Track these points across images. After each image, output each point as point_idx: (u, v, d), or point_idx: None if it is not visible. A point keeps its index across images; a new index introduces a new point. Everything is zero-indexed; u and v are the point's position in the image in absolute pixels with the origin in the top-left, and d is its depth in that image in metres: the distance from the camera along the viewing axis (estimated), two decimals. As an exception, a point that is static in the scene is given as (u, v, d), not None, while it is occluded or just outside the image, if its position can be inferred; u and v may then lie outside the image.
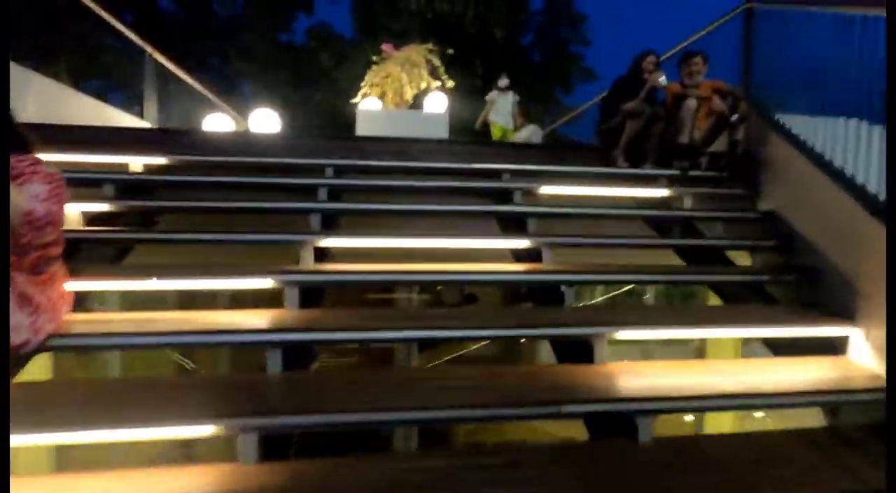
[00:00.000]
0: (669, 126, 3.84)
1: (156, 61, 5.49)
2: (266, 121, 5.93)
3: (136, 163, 3.15)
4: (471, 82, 18.62)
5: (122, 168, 3.11)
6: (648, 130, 3.84)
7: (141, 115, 5.17)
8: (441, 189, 3.25)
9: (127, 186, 2.88)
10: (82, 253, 2.22)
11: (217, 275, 2.06)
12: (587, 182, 3.52)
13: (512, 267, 2.43)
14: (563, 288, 2.21)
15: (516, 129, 8.00)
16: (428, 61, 7.47)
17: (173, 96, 6.37)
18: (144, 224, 2.72)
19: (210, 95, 7.35)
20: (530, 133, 7.62)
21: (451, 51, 7.75)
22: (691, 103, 3.76)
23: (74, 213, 2.49)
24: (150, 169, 3.19)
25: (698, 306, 4.52)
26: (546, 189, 3.26)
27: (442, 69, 7.34)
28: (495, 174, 3.48)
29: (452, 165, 3.54)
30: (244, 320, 1.91)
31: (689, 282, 3.16)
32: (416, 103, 7.76)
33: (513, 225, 2.94)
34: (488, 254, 2.98)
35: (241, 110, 21.62)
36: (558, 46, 25.44)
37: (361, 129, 6.84)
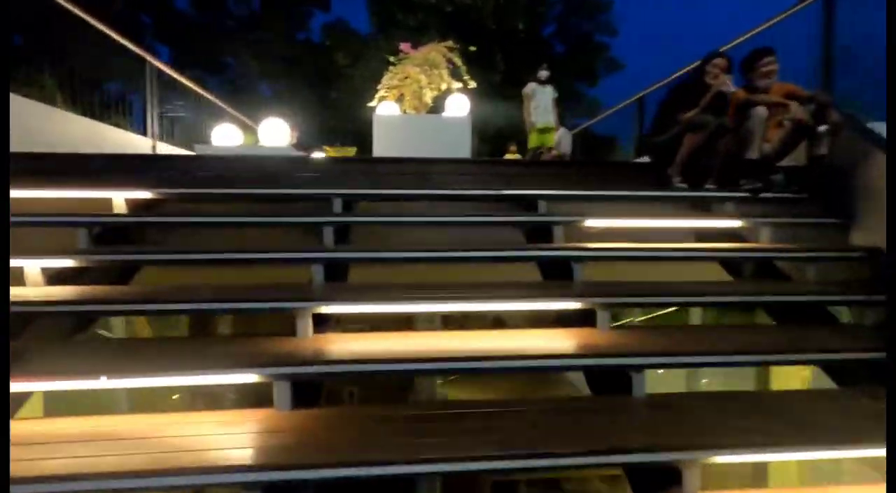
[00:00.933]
0: (734, 138, 3.25)
1: (159, 71, 5.11)
2: (276, 132, 5.50)
3: (119, 198, 2.73)
4: (491, 78, 17.99)
5: (102, 206, 2.70)
6: (711, 145, 3.25)
7: (144, 130, 4.83)
8: (467, 224, 2.75)
9: (102, 233, 2.46)
10: (32, 329, 1.82)
11: (182, 371, 1.58)
12: (639, 211, 2.96)
13: (559, 344, 1.88)
14: (631, 374, 1.71)
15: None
16: (448, 61, 6.95)
17: (179, 107, 6.01)
18: (120, 279, 2.30)
19: (219, 103, 6.97)
20: (559, 137, 7.03)
21: (473, 48, 7.18)
22: (761, 112, 3.16)
23: (33, 271, 2.09)
24: (135, 204, 2.77)
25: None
26: (593, 223, 2.72)
27: (464, 69, 6.80)
28: (530, 203, 2.96)
29: (479, 191, 3.03)
30: (214, 443, 1.41)
31: (799, 362, 2.51)
32: (437, 106, 7.26)
33: (556, 271, 2.43)
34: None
35: (255, 112, 21.42)
36: (581, 37, 24.48)
37: (378, 135, 6.37)
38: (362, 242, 2.68)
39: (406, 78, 6.92)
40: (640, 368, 1.70)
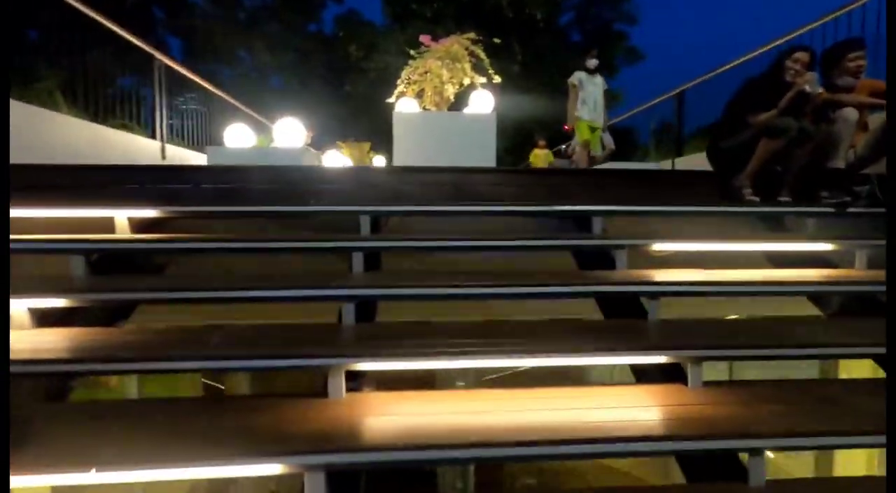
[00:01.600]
0: (815, 145, 2.84)
1: (168, 68, 4.80)
2: (291, 132, 5.17)
3: (121, 217, 2.43)
4: (509, 70, 17.47)
5: (102, 226, 2.39)
6: (788, 152, 2.84)
7: (153, 133, 4.53)
8: (514, 248, 2.40)
9: (101, 260, 2.16)
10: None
11: (192, 461, 1.26)
12: (709, 230, 2.58)
13: (642, 415, 1.50)
14: (746, 459, 1.35)
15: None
16: (471, 54, 6.54)
17: (190, 106, 5.71)
18: (120, 314, 2.00)
19: (232, 101, 6.66)
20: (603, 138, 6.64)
21: (497, 40, 6.75)
22: (851, 115, 2.75)
23: (18, 312, 1.79)
24: (139, 224, 2.47)
25: None
26: (662, 246, 2.35)
27: (487, 63, 6.39)
28: (582, 220, 2.60)
29: (524, 207, 2.67)
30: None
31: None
32: (458, 102, 6.88)
33: (623, 309, 2.07)
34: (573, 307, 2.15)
35: (268, 106, 21.16)
36: (601, 25, 23.74)
37: (399, 134, 6.02)
38: (394, 267, 2.35)
39: (426, 73, 6.54)
40: (758, 451, 1.35)
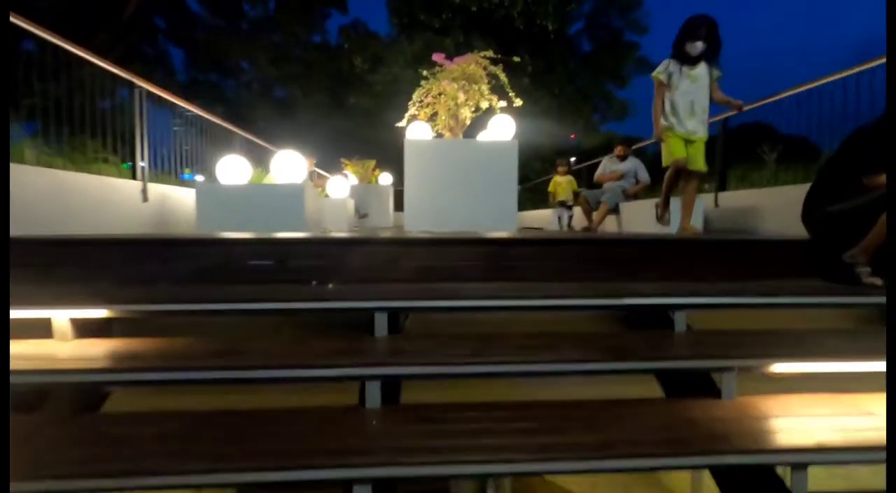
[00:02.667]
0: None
1: (151, 96, 4.24)
2: (290, 166, 4.61)
3: (61, 319, 1.85)
4: (519, 82, 16.93)
5: (37, 327, 1.81)
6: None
7: (132, 171, 3.95)
8: (582, 372, 1.79)
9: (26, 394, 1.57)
10: None
11: None
12: (822, 329, 1.98)
13: None
14: None
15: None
16: (489, 74, 5.98)
17: (178, 134, 5.16)
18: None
19: (226, 125, 6.11)
20: (633, 166, 5.99)
21: (516, 58, 6.19)
22: None
23: None
24: (84, 328, 1.88)
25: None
26: (784, 367, 1.74)
27: (508, 84, 5.83)
28: (659, 316, 1.99)
29: (576, 300, 2.06)
30: None
31: None
32: (474, 127, 6.31)
33: (749, 484, 1.46)
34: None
35: (270, 120, 20.62)
36: (611, 34, 23.26)
37: (411, 163, 5.44)
38: (417, 399, 1.75)
39: (440, 94, 5.99)
40: None
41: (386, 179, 12.76)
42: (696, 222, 4.68)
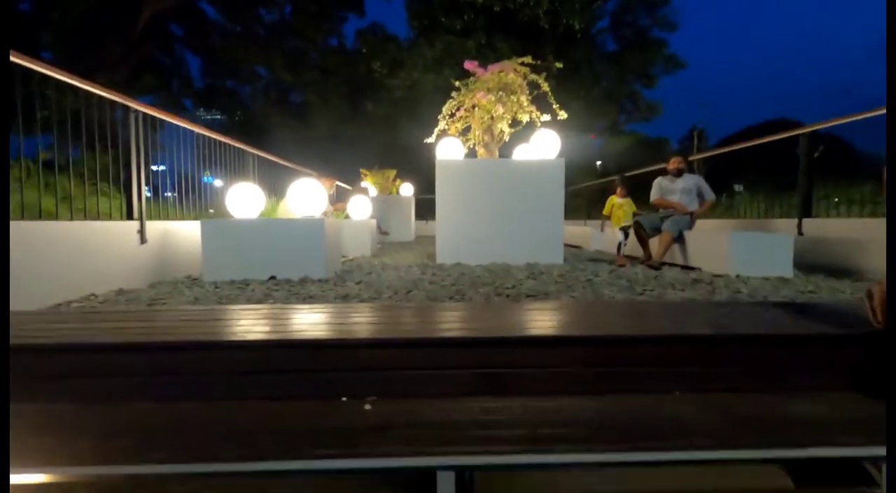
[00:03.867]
0: None
1: (154, 121, 3.67)
2: (308, 196, 4.01)
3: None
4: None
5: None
6: None
7: (128, 206, 3.37)
8: None
9: None
10: None
11: None
12: None
13: None
14: None
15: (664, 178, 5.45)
16: (529, 82, 5.31)
17: (182, 159, 4.61)
18: None
19: (237, 145, 5.55)
20: (695, 183, 5.16)
21: (559, 64, 5.51)
22: None
23: None
24: None
25: None
26: None
27: (551, 95, 5.15)
28: (849, 470, 1.30)
29: (726, 453, 1.37)
30: None
31: None
32: (511, 142, 5.65)
33: None
34: None
35: (286, 132, 20.20)
36: (637, 33, 22.29)
37: (443, 186, 4.80)
38: None
39: (474, 107, 5.33)
40: None
41: (407, 189, 12.15)
42: (785, 263, 3.89)
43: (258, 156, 5.90)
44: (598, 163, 23.67)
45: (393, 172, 12.13)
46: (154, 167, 4.68)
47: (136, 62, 15.49)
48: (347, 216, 6.09)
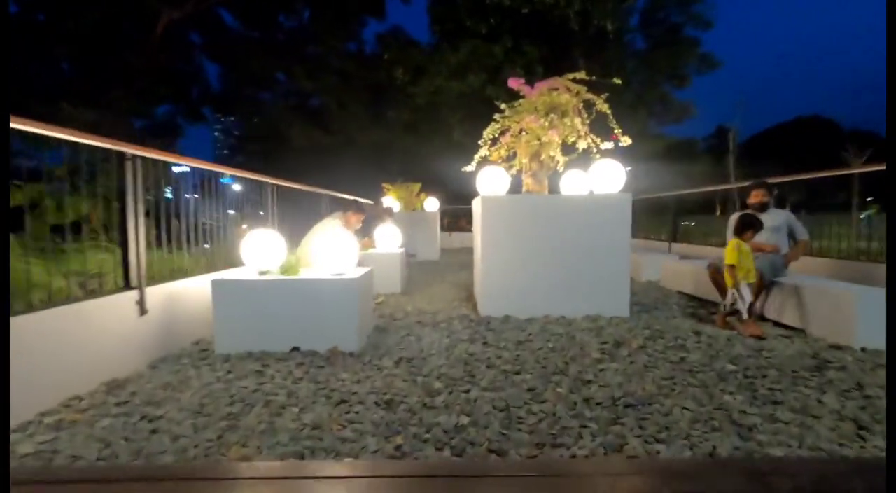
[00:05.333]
0: None
1: (152, 164, 3.09)
2: (338, 246, 3.40)
3: None
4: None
5: None
6: None
7: (124, 269, 2.81)
8: None
9: None
10: None
11: None
12: None
13: None
14: None
15: (749, 209, 4.44)
16: (585, 101, 4.61)
17: (188, 204, 4.05)
18: None
19: (251, 177, 4.97)
20: (784, 220, 4.40)
21: (618, 81, 4.80)
22: None
23: None
24: None
25: None
26: None
27: (612, 117, 4.44)
28: None
29: None
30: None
31: None
32: (556, 174, 4.96)
33: None
34: None
35: (306, 143, 19.71)
36: (669, 30, 21.23)
37: (487, 224, 4.16)
38: None
39: (521, 131, 4.66)
40: None
41: (432, 204, 11.49)
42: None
43: (277, 186, 5.33)
44: (628, 169, 22.65)
45: (417, 186, 11.51)
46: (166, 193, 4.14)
47: (155, 70, 15.20)
48: (373, 248, 5.50)
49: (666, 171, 21.19)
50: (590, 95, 4.56)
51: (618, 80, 4.88)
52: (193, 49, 18.49)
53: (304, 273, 3.41)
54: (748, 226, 3.85)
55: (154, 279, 3.19)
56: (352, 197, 9.82)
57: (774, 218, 4.35)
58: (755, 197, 4.52)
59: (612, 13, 13.71)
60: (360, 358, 2.99)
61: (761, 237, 4.29)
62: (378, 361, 2.92)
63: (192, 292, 3.51)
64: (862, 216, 7.69)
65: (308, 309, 3.16)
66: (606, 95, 4.56)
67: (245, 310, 3.16)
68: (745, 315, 3.59)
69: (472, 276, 5.86)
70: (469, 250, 11.99)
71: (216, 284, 3.17)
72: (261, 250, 3.51)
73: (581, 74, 4.71)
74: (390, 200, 10.83)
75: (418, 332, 3.65)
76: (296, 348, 3.15)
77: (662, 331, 3.56)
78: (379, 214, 9.26)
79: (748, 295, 3.61)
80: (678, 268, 5.59)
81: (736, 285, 3.66)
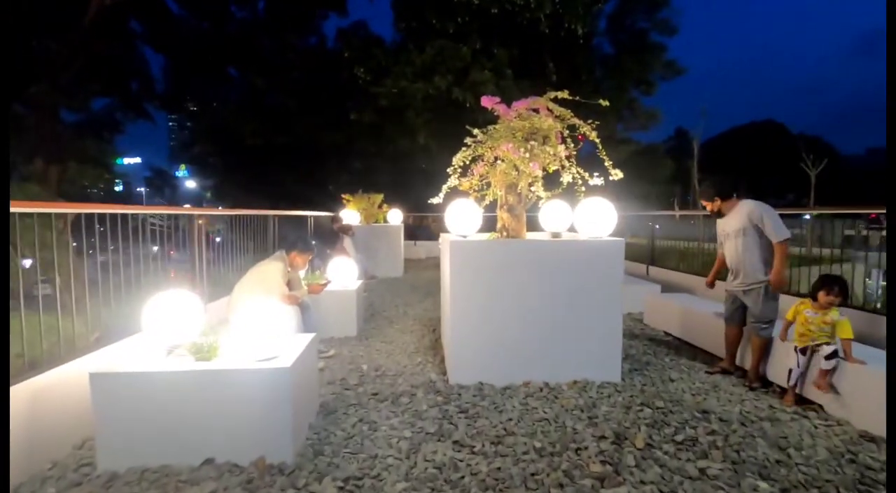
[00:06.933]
0: None
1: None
2: (270, 314, 2.65)
3: None
4: (542, 92, 14.99)
5: None
6: None
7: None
8: None
9: None
10: None
11: None
12: None
13: None
14: None
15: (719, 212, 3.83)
16: (567, 128, 4.00)
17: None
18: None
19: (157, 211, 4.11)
20: (744, 221, 3.51)
21: (605, 102, 4.21)
22: None
23: None
24: None
25: None
26: None
27: (602, 149, 3.85)
28: None
29: None
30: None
31: None
32: (533, 208, 4.34)
33: None
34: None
35: (266, 140, 18.47)
36: (634, 36, 21.15)
37: (456, 270, 3.49)
38: None
39: (496, 160, 4.01)
40: None
41: (395, 216, 10.70)
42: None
43: (201, 215, 4.48)
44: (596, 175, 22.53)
45: (379, 198, 10.72)
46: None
47: (87, 61, 13.68)
48: (328, 283, 4.72)
49: (634, 177, 21.15)
50: (576, 121, 3.95)
51: (605, 102, 4.29)
52: (134, 38, 16.87)
53: (224, 357, 2.63)
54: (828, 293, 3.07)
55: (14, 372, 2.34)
56: (305, 212, 8.94)
57: (733, 221, 3.59)
58: (706, 204, 3.89)
59: (582, 17, 13.28)
60: (294, 478, 2.27)
61: (728, 250, 3.68)
62: (317, 485, 2.21)
63: (70, 376, 2.67)
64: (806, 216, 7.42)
65: (226, 408, 2.41)
66: (593, 121, 3.95)
67: (138, 412, 2.38)
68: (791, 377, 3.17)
69: (439, 305, 5.19)
70: (435, 263, 11.30)
71: (97, 379, 2.37)
72: (171, 317, 2.73)
73: (564, 94, 4.08)
74: (350, 213, 10.01)
75: (374, 416, 2.96)
76: (209, 460, 2.40)
77: (665, 411, 3.00)
78: (338, 230, 8.47)
79: (800, 359, 3.15)
80: (665, 306, 5.11)
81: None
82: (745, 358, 3.74)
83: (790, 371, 3.17)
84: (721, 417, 2.93)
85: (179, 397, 2.39)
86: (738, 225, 3.56)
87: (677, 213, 8.65)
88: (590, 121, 3.93)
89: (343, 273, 5.30)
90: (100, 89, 15.72)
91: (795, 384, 3.16)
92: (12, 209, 2.43)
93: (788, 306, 3.41)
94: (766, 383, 3.50)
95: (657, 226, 8.40)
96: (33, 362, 2.62)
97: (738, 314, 3.73)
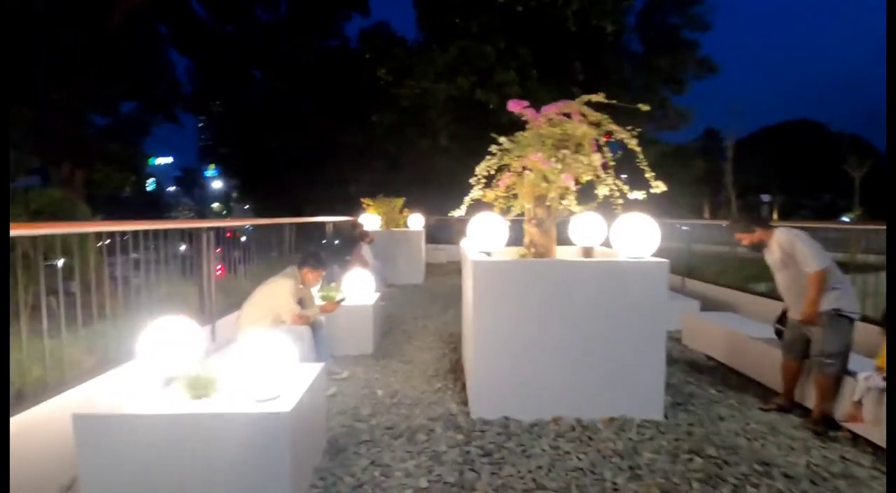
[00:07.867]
0: None
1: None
2: (274, 352, 2.39)
3: None
4: (569, 92, 14.50)
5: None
6: None
7: None
8: None
9: None
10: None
11: None
12: None
13: None
14: None
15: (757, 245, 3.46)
16: (605, 132, 3.63)
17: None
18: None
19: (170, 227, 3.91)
20: (783, 253, 3.20)
21: (645, 107, 3.82)
22: None
23: None
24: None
25: None
26: None
27: (642, 159, 3.47)
28: None
29: None
30: None
31: None
32: (565, 220, 3.98)
33: None
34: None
35: (287, 141, 18.50)
36: (665, 33, 20.38)
37: (481, 297, 3.17)
38: None
39: (524, 170, 3.67)
40: None
41: (416, 221, 10.43)
42: None
43: (216, 229, 4.27)
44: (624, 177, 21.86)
45: (400, 202, 10.47)
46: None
47: (114, 63, 13.85)
48: (343, 299, 4.47)
49: (662, 179, 20.42)
50: (613, 127, 3.58)
51: (645, 107, 3.91)
52: (160, 41, 17.08)
53: (222, 392, 2.37)
54: None
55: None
56: (325, 218, 8.75)
57: (773, 251, 3.27)
58: (740, 239, 3.51)
59: (611, 13, 12.76)
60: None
61: (779, 283, 3.30)
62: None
63: (56, 412, 2.45)
64: (845, 219, 6.84)
65: (220, 455, 2.15)
66: (633, 127, 3.58)
67: (124, 456, 2.14)
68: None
69: (460, 317, 4.87)
70: (457, 267, 10.98)
71: (81, 421, 2.14)
72: (168, 346, 2.51)
73: (599, 97, 3.71)
74: (370, 218, 9.78)
75: (387, 457, 2.66)
76: (201, 514, 2.14)
77: (718, 461, 2.61)
78: (357, 237, 8.23)
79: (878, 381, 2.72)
80: (707, 326, 4.68)
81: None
82: (806, 394, 3.31)
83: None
84: (786, 471, 2.53)
85: (168, 443, 2.14)
86: (777, 257, 3.27)
87: (722, 222, 8.10)
88: (629, 127, 3.56)
89: (359, 286, 5.04)
90: (127, 93, 15.96)
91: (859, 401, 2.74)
92: (23, 232, 2.21)
93: (865, 334, 2.95)
94: (832, 426, 3.06)
95: (685, 228, 7.83)
96: (19, 393, 2.41)
97: (798, 344, 3.29)
